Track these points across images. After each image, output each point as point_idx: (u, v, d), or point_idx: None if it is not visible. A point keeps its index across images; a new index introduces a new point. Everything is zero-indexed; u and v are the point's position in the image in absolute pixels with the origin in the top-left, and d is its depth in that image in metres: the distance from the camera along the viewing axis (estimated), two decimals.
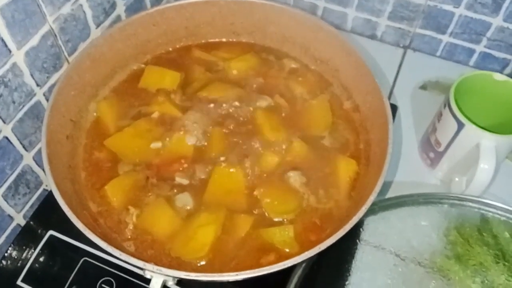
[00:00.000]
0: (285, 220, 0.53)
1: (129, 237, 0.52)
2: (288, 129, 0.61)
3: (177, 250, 0.50)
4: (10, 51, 0.51)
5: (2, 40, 0.49)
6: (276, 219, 0.53)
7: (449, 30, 0.77)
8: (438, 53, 0.82)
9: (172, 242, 0.51)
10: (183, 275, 0.43)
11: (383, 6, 0.78)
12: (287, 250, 0.51)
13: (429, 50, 0.82)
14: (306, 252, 0.44)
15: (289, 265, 0.44)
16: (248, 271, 0.43)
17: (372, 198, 0.48)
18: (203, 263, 0.50)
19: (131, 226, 0.53)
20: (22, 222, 0.61)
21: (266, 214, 0.53)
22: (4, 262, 0.57)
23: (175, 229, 0.52)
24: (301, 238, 0.52)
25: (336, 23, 0.84)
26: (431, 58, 0.82)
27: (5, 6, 0.48)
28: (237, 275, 0.43)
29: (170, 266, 0.49)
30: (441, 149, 0.65)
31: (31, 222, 0.60)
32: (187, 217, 0.53)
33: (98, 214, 0.53)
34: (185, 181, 0.55)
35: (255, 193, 0.54)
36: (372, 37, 0.84)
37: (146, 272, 0.45)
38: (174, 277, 0.45)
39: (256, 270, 0.43)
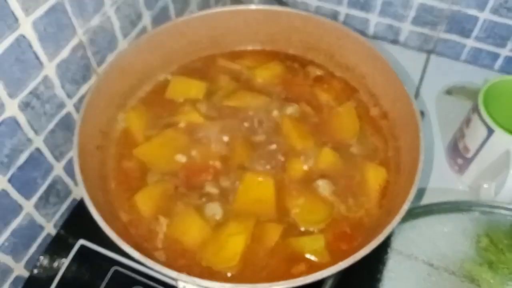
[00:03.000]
0: (315, 229, 0.53)
1: (160, 246, 0.52)
2: (315, 137, 0.60)
3: (208, 259, 0.50)
4: (42, 64, 0.52)
5: (35, 53, 0.50)
6: (305, 229, 0.53)
7: (474, 35, 0.77)
8: (462, 58, 0.81)
9: (203, 251, 0.51)
10: (217, 285, 0.43)
11: (406, 11, 0.78)
12: (318, 259, 0.50)
13: (453, 55, 0.81)
14: (341, 263, 0.44)
15: (324, 276, 0.43)
16: (281, 282, 0.43)
17: (405, 207, 0.47)
18: (233, 272, 0.50)
19: (161, 236, 0.53)
20: (53, 232, 0.62)
21: (296, 224, 0.53)
22: (36, 271, 0.58)
23: (205, 238, 0.52)
24: (331, 247, 0.51)
25: (358, 28, 0.84)
26: (455, 62, 0.81)
27: (38, 20, 0.49)
28: (270, 286, 0.43)
29: (201, 276, 0.49)
30: (469, 155, 0.64)
31: (62, 232, 0.60)
32: (217, 226, 0.53)
33: (128, 224, 0.54)
34: (214, 190, 0.55)
35: (284, 202, 0.54)
36: (395, 42, 0.84)
37: (179, 282, 0.45)
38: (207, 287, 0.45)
39: (291, 281, 0.43)
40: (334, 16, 0.84)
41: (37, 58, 0.51)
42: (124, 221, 0.54)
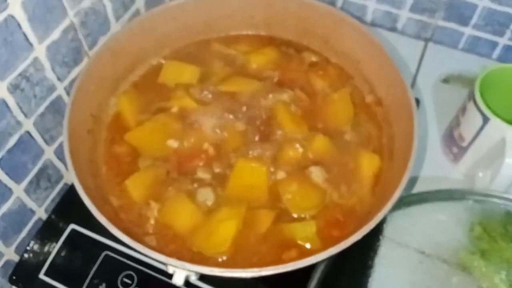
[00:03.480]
0: (307, 215, 0.52)
1: (151, 231, 0.52)
2: (309, 123, 0.60)
3: (198, 244, 0.50)
4: (31, 46, 0.51)
5: (24, 34, 0.49)
6: (297, 215, 0.52)
7: (472, 22, 0.76)
8: (460, 46, 0.80)
9: (194, 236, 0.51)
10: (206, 270, 0.43)
11: None
12: (309, 246, 0.50)
13: (451, 43, 0.80)
14: (331, 249, 0.43)
15: (314, 261, 0.43)
16: (272, 267, 0.43)
17: (397, 194, 0.47)
18: (224, 258, 0.50)
19: (152, 221, 0.52)
20: (44, 216, 0.62)
21: (288, 210, 0.53)
22: (26, 255, 0.58)
23: (197, 223, 0.52)
24: (323, 234, 0.51)
25: (356, 15, 0.83)
26: (453, 51, 0.80)
27: (27, 1, 0.48)
28: (260, 271, 0.43)
29: (191, 261, 0.48)
30: (464, 143, 0.63)
31: (53, 216, 0.60)
32: (208, 212, 0.52)
33: (119, 209, 0.53)
34: (206, 176, 0.55)
35: (276, 188, 0.54)
36: (393, 29, 0.83)
37: (169, 267, 0.44)
38: (197, 272, 0.44)
39: (280, 266, 0.43)
40: (332, 1, 0.83)
41: (27, 39, 0.50)
42: (115, 206, 0.54)
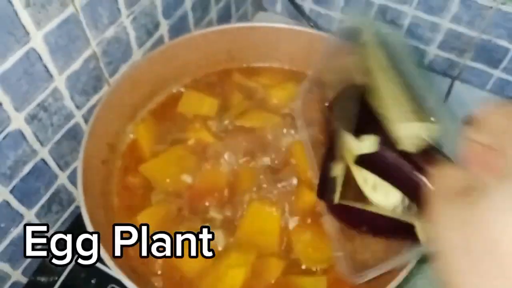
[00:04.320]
0: (318, 268, 0.51)
1: (158, 272, 0.51)
2: None
3: None
4: (51, 76, 0.50)
5: (45, 66, 0.49)
6: (307, 267, 0.51)
7: (502, 66, 0.73)
8: (488, 87, 0.78)
9: (201, 281, 0.50)
10: None
11: (434, 34, 0.75)
12: None
13: (479, 83, 0.78)
14: None
15: None
16: None
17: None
18: None
19: (160, 260, 0.52)
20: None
21: (299, 260, 0.51)
22: (33, 278, 0.58)
23: (204, 267, 0.51)
24: None
25: None
26: (480, 91, 0.78)
27: (50, 33, 0.48)
28: None
29: None
30: None
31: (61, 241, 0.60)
32: (218, 255, 0.52)
33: (134, 248, 0.53)
34: (218, 216, 0.54)
35: (289, 235, 0.53)
36: (419, 64, 0.81)
37: None
38: None
39: None
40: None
41: (47, 70, 0.49)
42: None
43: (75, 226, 0.60)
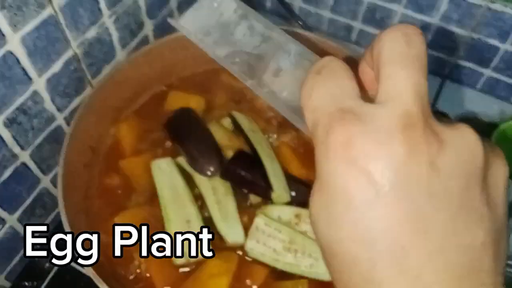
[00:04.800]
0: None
1: (142, 278, 0.50)
2: (312, 168, 0.58)
3: None
4: (30, 79, 0.49)
5: (23, 69, 0.48)
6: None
7: (492, 65, 0.73)
8: (478, 86, 0.77)
9: None
10: None
11: (424, 33, 0.73)
12: None
13: (469, 83, 0.77)
14: None
15: None
16: None
17: None
18: None
19: (138, 269, 0.51)
20: None
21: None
22: (17, 282, 0.57)
23: (178, 279, 0.50)
24: None
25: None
26: (470, 91, 0.78)
27: (27, 35, 0.47)
28: None
29: None
30: None
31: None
32: (197, 262, 0.51)
33: (109, 250, 0.52)
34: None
35: None
36: None
37: None
38: None
39: None
40: (348, 30, 0.80)
41: (25, 73, 0.48)
42: (105, 245, 0.52)
43: (59, 230, 0.60)
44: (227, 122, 0.60)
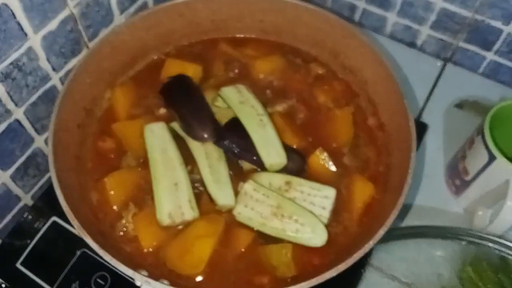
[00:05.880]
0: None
1: (129, 238, 0.51)
2: (306, 138, 0.58)
3: (172, 263, 0.49)
4: (26, 35, 0.50)
5: (18, 23, 0.48)
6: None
7: (495, 48, 0.72)
8: (480, 70, 0.76)
9: (166, 251, 0.49)
10: None
11: (427, 14, 0.73)
12: (283, 271, 0.48)
13: (471, 66, 0.76)
14: (303, 284, 0.41)
15: None
16: None
17: (382, 232, 0.45)
18: (200, 278, 0.48)
19: (130, 226, 0.51)
20: (30, 203, 0.61)
21: None
22: (7, 240, 0.58)
23: (165, 239, 0.50)
24: (302, 260, 0.49)
25: (375, 26, 0.80)
26: (472, 74, 0.77)
27: None
28: None
29: (169, 276, 0.48)
30: (468, 178, 0.60)
31: (39, 204, 0.59)
32: (184, 223, 0.51)
33: (98, 208, 0.52)
34: None
35: None
36: (412, 45, 0.79)
37: (136, 280, 0.43)
38: None
39: None
40: (351, 9, 0.79)
41: (21, 28, 0.49)
42: (95, 206, 0.53)
43: (53, 191, 0.60)
44: (220, 102, 0.59)
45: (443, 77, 0.77)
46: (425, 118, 0.72)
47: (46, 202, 0.59)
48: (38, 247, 0.57)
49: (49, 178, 0.62)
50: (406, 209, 0.63)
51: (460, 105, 0.74)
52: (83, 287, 0.54)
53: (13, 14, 0.47)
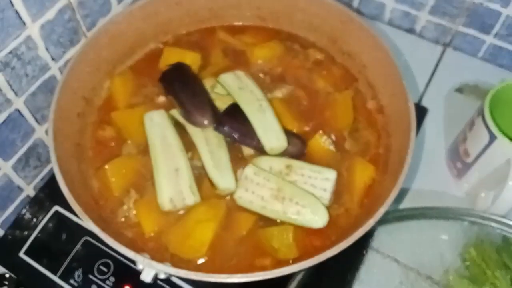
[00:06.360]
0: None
1: (130, 223, 0.51)
2: (306, 122, 0.58)
3: (174, 247, 0.49)
4: (24, 24, 0.50)
5: (17, 12, 0.48)
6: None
7: (494, 31, 0.72)
8: (480, 54, 0.76)
9: (168, 236, 0.49)
10: (173, 271, 0.42)
11: None
12: (285, 253, 0.48)
13: (471, 50, 0.76)
14: (304, 262, 0.42)
15: (285, 273, 0.41)
16: (240, 275, 0.41)
17: (382, 211, 0.44)
18: (202, 260, 0.49)
19: (131, 212, 0.51)
20: (32, 194, 0.62)
21: None
22: (10, 231, 0.58)
23: (166, 224, 0.50)
24: (303, 242, 0.49)
25: (373, 13, 0.80)
26: (471, 59, 0.76)
27: None
28: (228, 277, 0.41)
29: (171, 260, 0.48)
30: (469, 160, 0.60)
31: (41, 194, 0.60)
32: (185, 208, 0.51)
33: (99, 195, 0.52)
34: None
35: None
36: (410, 31, 0.79)
37: (138, 263, 0.43)
38: (165, 272, 0.43)
39: (249, 274, 0.41)
40: None
41: (19, 17, 0.49)
42: (96, 192, 0.53)
43: (55, 182, 0.60)
44: (219, 89, 0.59)
45: (443, 62, 0.77)
46: (426, 103, 0.72)
47: (48, 193, 0.60)
48: (41, 236, 0.57)
49: (51, 169, 0.63)
50: (407, 193, 0.63)
51: (460, 90, 0.74)
52: (86, 274, 0.54)
53: (10, 2, 0.47)
